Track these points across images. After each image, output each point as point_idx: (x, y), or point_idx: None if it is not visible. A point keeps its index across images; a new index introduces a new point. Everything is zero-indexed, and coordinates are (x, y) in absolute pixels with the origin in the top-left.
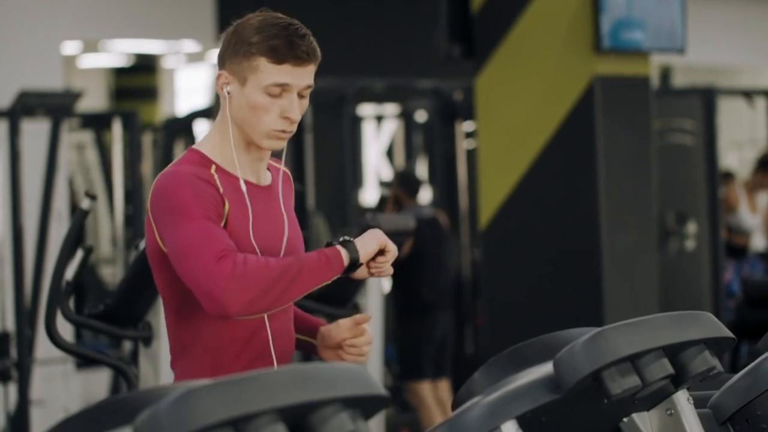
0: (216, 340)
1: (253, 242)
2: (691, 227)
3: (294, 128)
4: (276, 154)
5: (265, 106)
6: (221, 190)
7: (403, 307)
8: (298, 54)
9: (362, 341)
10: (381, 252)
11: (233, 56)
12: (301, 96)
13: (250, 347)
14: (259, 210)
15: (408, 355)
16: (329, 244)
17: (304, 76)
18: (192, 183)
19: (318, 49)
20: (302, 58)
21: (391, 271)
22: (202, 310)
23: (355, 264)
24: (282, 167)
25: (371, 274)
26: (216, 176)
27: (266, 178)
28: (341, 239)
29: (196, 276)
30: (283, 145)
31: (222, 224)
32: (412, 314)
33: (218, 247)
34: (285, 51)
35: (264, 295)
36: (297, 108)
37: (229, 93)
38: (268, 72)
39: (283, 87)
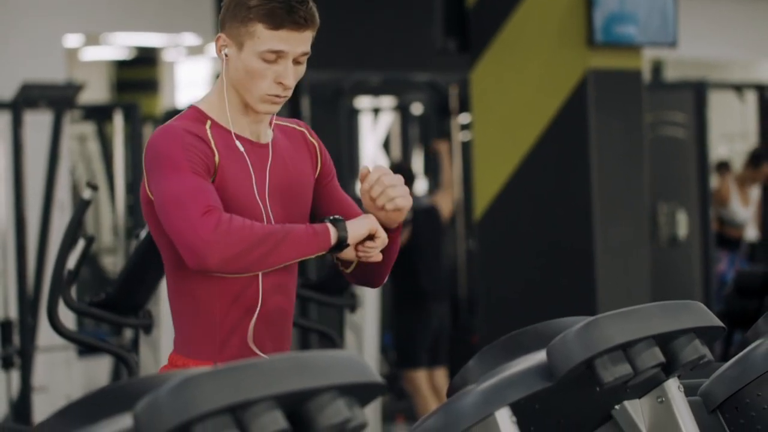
0: (207, 291)
1: (257, 197)
2: (682, 218)
3: (288, 93)
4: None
5: (260, 71)
6: (212, 143)
7: (400, 295)
8: (296, 19)
9: (378, 187)
10: (371, 237)
11: (232, 20)
12: (297, 62)
13: (241, 301)
14: (255, 166)
15: (405, 343)
16: (320, 221)
17: (300, 43)
18: (182, 137)
19: (317, 15)
20: (299, 23)
21: (380, 257)
22: None
23: (342, 243)
24: (299, 127)
25: (358, 257)
26: (209, 132)
27: (266, 137)
28: (332, 217)
29: (179, 227)
30: (277, 109)
31: (211, 179)
32: (410, 303)
33: (205, 202)
34: (282, 16)
35: (244, 254)
36: (292, 74)
37: (226, 56)
38: (264, 38)
39: (279, 53)
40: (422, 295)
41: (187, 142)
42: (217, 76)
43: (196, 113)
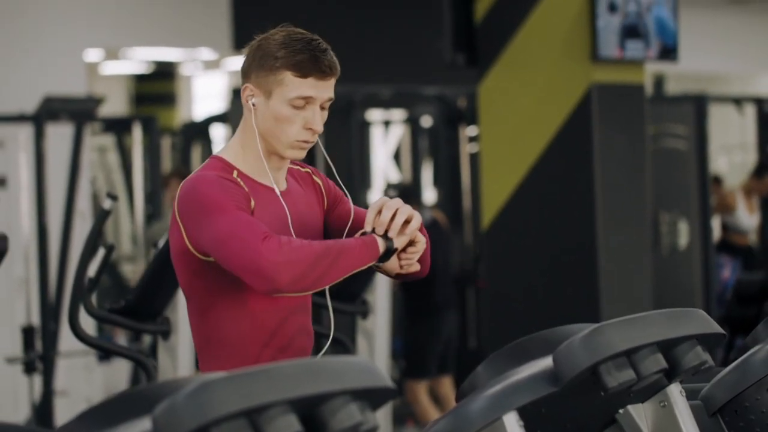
0: (238, 336)
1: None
2: (683, 227)
3: (315, 139)
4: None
5: (289, 117)
6: (246, 189)
7: (415, 307)
8: (322, 68)
9: (385, 216)
10: (411, 243)
11: (258, 70)
12: (322, 108)
13: (272, 344)
14: (291, 213)
15: (416, 353)
16: (363, 234)
17: (326, 89)
18: (219, 182)
19: (338, 64)
20: (325, 72)
21: (418, 267)
22: (228, 307)
23: (389, 251)
24: (304, 168)
25: (401, 267)
26: (239, 180)
27: (283, 184)
28: (373, 229)
29: (243, 256)
30: (303, 154)
31: None
32: (424, 314)
33: (260, 229)
34: (309, 66)
35: (309, 271)
36: (320, 119)
37: (254, 105)
38: (293, 85)
39: (307, 100)
40: (435, 307)
41: (225, 185)
42: (234, 92)
43: (221, 163)
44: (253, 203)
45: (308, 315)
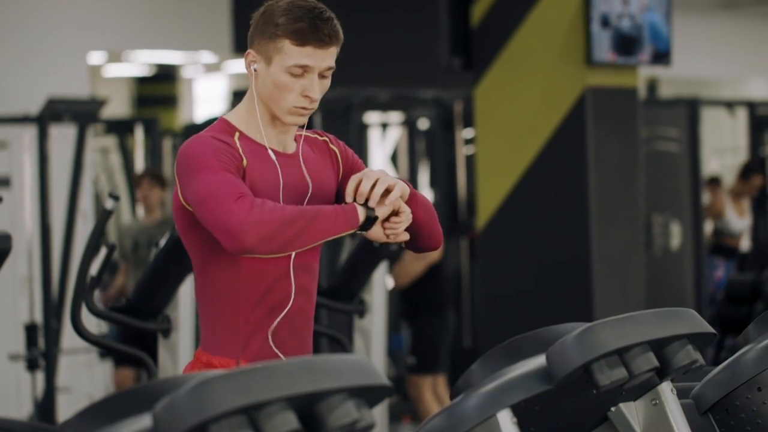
0: (231, 293)
1: (282, 202)
2: (675, 229)
3: (314, 106)
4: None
5: (287, 84)
6: (240, 150)
7: (425, 304)
8: (320, 37)
9: (365, 186)
10: (396, 213)
11: (260, 37)
12: (322, 76)
13: (264, 303)
14: (284, 173)
15: (427, 349)
16: (346, 202)
17: (325, 58)
18: (211, 143)
19: (340, 32)
20: (324, 41)
21: (407, 236)
22: (223, 262)
23: (370, 219)
24: (322, 137)
25: (386, 236)
26: (238, 142)
27: (291, 147)
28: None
29: (216, 215)
30: (303, 120)
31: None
32: (432, 312)
33: (236, 190)
34: (308, 34)
35: (278, 233)
36: (317, 87)
37: (255, 71)
38: (291, 53)
39: (305, 68)
40: (442, 303)
41: (215, 146)
42: (235, 94)
43: (224, 125)
44: (245, 162)
45: (311, 276)
